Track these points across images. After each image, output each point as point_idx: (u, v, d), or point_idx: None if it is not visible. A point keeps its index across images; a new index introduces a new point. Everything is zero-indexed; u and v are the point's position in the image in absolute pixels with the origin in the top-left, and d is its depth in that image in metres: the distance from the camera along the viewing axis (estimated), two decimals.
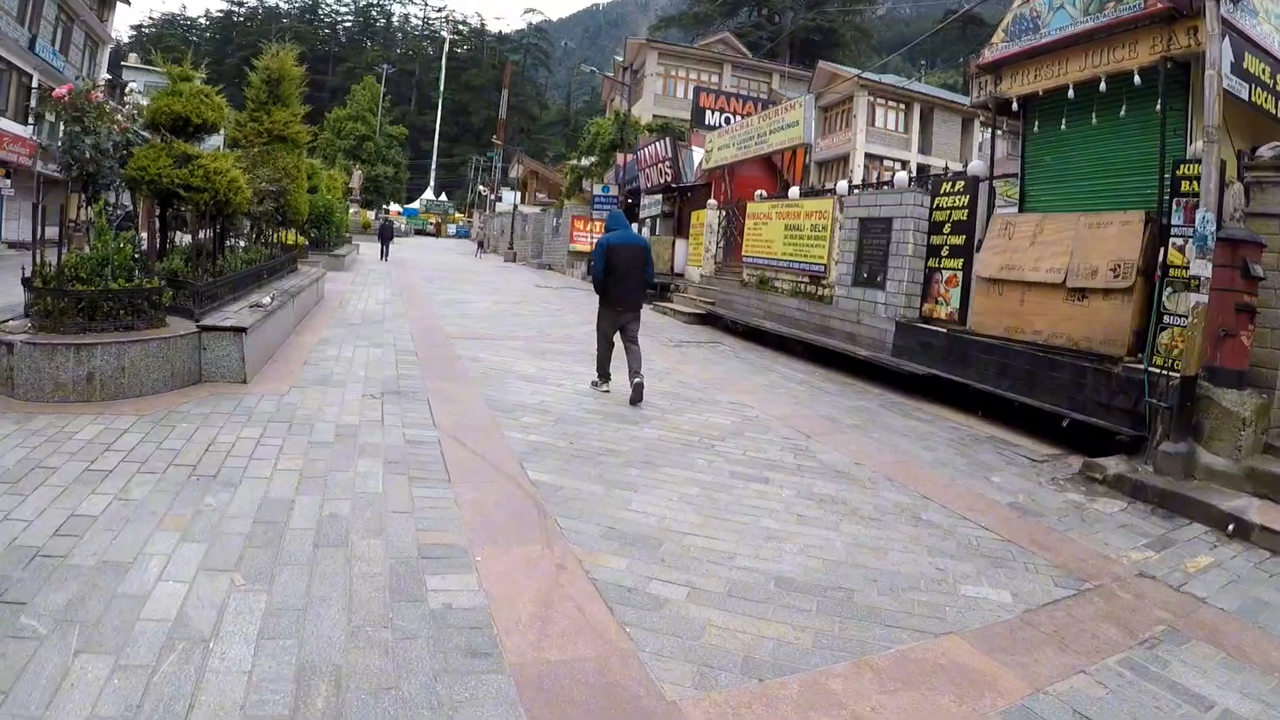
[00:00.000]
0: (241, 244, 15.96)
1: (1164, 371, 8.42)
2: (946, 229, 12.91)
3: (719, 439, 8.37)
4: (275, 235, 19.24)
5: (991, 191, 12.64)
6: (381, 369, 10.31)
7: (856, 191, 16.33)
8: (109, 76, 45.34)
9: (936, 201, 13.22)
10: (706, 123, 30.48)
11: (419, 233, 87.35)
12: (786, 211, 17.97)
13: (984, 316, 11.69)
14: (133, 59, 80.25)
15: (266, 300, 11.10)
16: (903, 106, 48.26)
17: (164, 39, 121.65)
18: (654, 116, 48.17)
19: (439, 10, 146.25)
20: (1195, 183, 8.54)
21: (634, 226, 33.40)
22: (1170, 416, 8.01)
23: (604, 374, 10.55)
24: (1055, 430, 9.61)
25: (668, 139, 26.72)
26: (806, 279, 17.03)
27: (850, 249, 14.89)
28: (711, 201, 23.19)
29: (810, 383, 12.65)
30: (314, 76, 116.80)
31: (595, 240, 12.54)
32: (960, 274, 12.55)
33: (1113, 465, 8.15)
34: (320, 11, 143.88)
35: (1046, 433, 9.78)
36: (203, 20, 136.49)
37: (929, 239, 13.29)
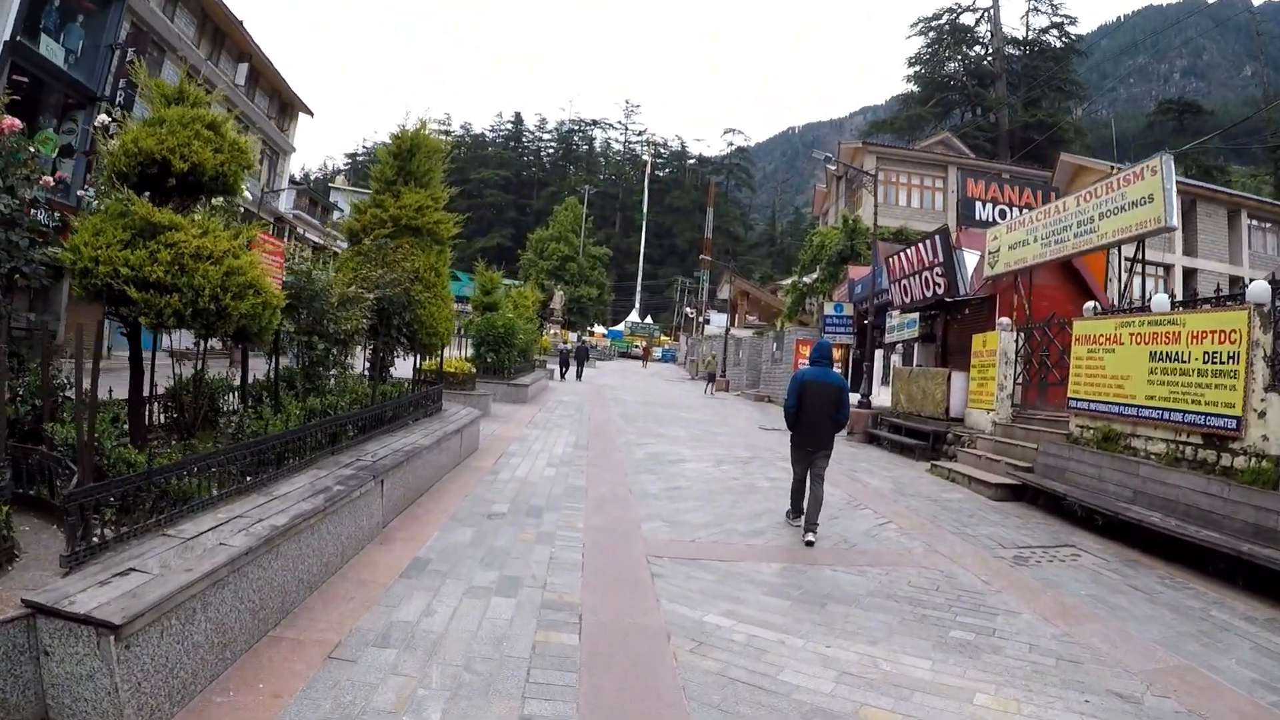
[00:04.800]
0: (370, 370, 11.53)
1: None
2: None
3: None
4: (417, 360, 14.63)
5: None
6: (488, 699, 4.66)
7: None
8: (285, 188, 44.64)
9: None
10: (977, 217, 24.59)
11: (623, 355, 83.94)
12: (1150, 332, 11.97)
13: None
14: (340, 180, 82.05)
15: (241, 532, 5.87)
16: None
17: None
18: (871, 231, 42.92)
19: (639, 134, 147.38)
20: None
21: (879, 354, 28.11)
22: None
23: (797, 508, 10.15)
24: None
25: (937, 237, 20.47)
26: (1198, 438, 10.94)
27: None
28: (1004, 320, 17.13)
29: None
30: (518, 200, 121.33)
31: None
32: None
33: None
34: (524, 139, 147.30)
35: None
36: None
37: None
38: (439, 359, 16.25)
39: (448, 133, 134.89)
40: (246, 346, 7.44)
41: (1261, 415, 9.91)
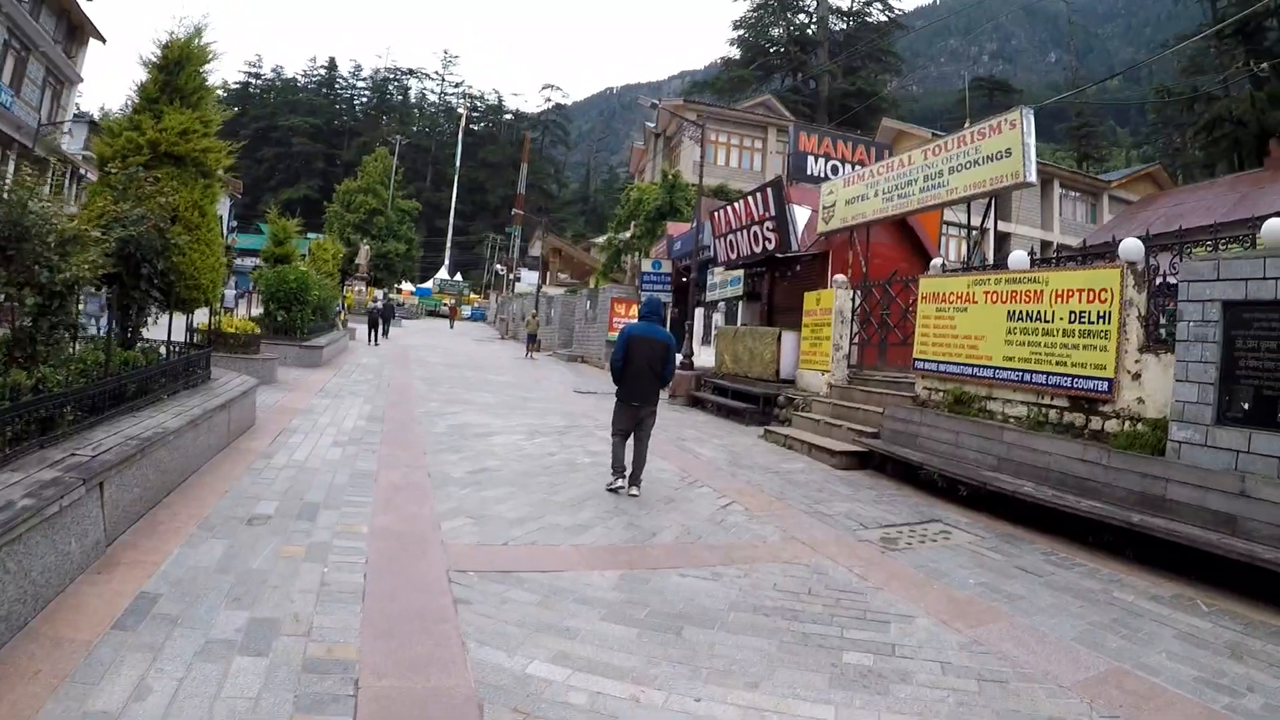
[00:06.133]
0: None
1: None
2: None
3: None
4: (179, 320, 12.03)
5: None
6: None
7: (1201, 255, 9.31)
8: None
9: None
10: (809, 172, 23.51)
11: (431, 314, 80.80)
12: (1009, 291, 11.11)
13: None
14: None
15: None
16: None
17: None
18: (691, 185, 42.07)
19: (456, 86, 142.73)
20: None
21: (699, 313, 26.95)
22: None
23: (619, 468, 9.70)
24: None
25: (770, 190, 19.06)
26: (1063, 401, 10.24)
27: (1204, 357, 8.02)
28: (840, 277, 16.09)
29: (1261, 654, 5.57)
30: (328, 150, 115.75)
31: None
32: None
33: None
34: (337, 86, 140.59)
35: None
36: (220, 91, 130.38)
37: None
38: (214, 317, 13.93)
39: (257, 75, 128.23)
40: None
41: (1136, 377, 9.29)
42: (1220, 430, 7.79)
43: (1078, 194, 47.13)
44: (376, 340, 35.74)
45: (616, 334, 22.81)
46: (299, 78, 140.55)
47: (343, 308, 39.64)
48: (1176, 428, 8.26)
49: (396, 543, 6.92)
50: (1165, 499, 7.98)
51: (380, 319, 38.29)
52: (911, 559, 7.62)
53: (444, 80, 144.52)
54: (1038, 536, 8.71)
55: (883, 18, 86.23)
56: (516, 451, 11.89)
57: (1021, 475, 9.64)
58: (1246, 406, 7.61)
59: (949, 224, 39.67)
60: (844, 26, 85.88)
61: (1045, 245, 40.15)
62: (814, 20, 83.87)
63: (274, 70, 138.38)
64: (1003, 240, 40.21)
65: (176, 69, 11.45)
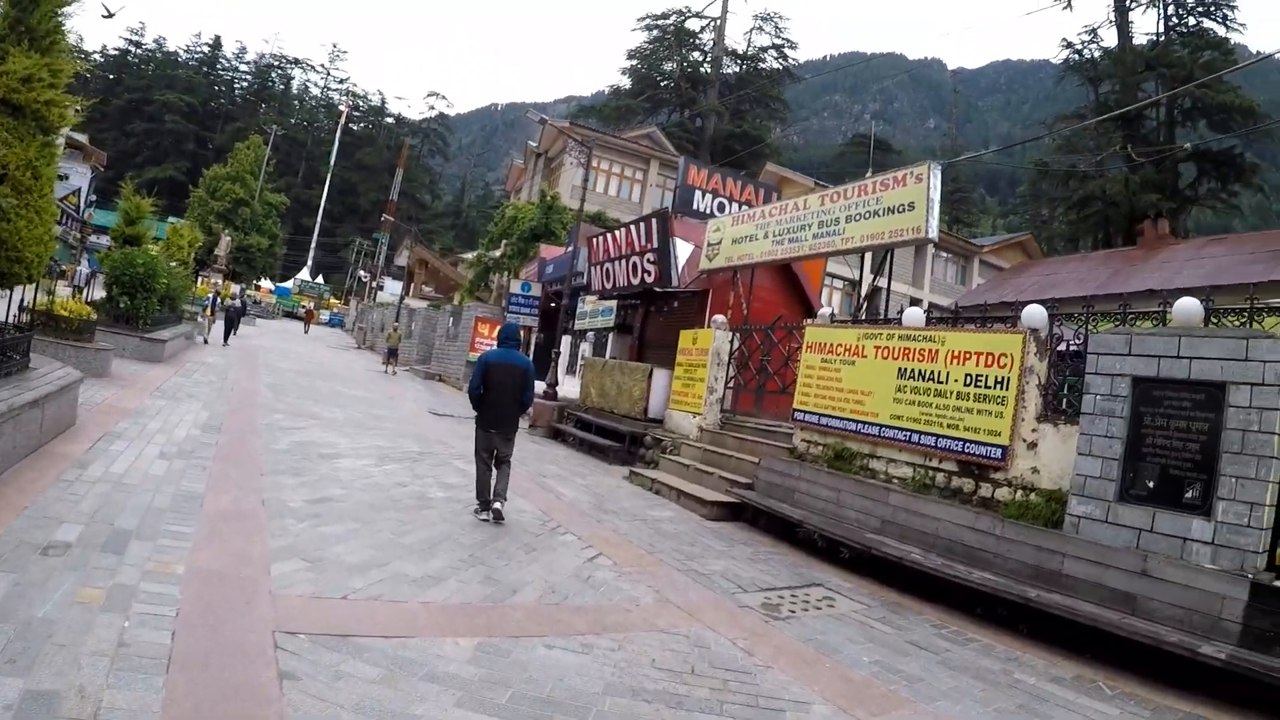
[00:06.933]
0: None
1: None
2: None
3: None
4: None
5: None
6: None
7: (1109, 330, 8.92)
8: None
9: None
10: (696, 207, 22.95)
11: (288, 315, 77.76)
12: (902, 348, 10.70)
13: None
14: None
15: None
16: None
17: None
18: (569, 209, 41.38)
19: (340, 81, 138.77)
20: None
21: (566, 341, 26.01)
22: None
23: (484, 499, 9.53)
24: None
25: (654, 220, 18.16)
26: (952, 465, 9.83)
27: (1110, 432, 7.81)
28: (719, 318, 15.46)
29: None
30: (201, 132, 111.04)
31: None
32: None
33: None
34: (219, 66, 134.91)
35: None
36: (97, 55, 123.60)
37: None
38: (48, 296, 12.40)
39: (137, 44, 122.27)
40: None
41: (1032, 446, 8.95)
42: (1123, 507, 7.55)
43: (949, 255, 48.09)
44: (226, 339, 33.54)
45: (478, 355, 21.82)
46: (181, 52, 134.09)
47: (213, 301, 37.22)
48: (1076, 502, 7.93)
49: (217, 590, 5.72)
50: (1062, 574, 7.69)
51: (236, 317, 36.13)
52: (798, 630, 6.92)
53: (329, 74, 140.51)
54: (925, 606, 8.23)
55: (776, 65, 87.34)
56: (364, 479, 10.71)
57: (908, 540, 9.12)
58: (1151, 485, 7.41)
59: (831, 275, 39.98)
60: (736, 69, 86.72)
61: (915, 302, 40.86)
62: (708, 59, 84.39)
63: (156, 41, 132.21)
64: (874, 294, 40.64)
65: (31, 6, 9.89)
